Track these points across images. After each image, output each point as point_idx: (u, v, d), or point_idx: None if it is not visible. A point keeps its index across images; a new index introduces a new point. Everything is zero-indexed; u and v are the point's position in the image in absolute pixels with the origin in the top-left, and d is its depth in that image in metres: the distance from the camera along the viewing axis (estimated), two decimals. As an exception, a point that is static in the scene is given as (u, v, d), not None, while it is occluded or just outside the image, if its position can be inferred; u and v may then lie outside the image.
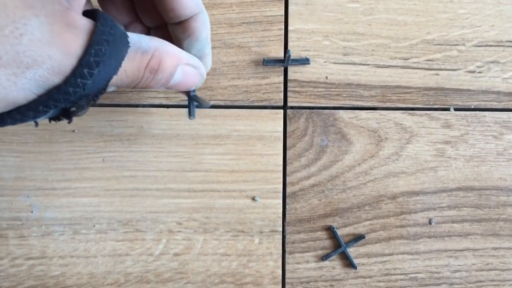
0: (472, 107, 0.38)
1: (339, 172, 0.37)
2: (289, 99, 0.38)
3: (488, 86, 0.38)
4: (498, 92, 0.38)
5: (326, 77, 0.38)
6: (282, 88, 0.37)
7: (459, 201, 0.37)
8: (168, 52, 0.26)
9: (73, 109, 0.22)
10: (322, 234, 0.37)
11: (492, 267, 0.37)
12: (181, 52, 0.27)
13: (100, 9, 0.24)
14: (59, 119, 0.23)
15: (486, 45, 0.38)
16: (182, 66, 0.27)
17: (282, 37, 0.38)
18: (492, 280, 0.37)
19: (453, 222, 0.37)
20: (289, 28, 0.38)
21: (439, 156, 0.38)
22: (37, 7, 0.19)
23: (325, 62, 0.38)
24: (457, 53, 0.38)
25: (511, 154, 0.38)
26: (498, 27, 0.38)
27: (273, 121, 0.37)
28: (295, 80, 0.38)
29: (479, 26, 0.38)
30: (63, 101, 0.21)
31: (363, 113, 0.38)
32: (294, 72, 0.38)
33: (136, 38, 0.24)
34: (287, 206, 0.37)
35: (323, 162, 0.37)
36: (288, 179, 0.37)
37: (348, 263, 0.37)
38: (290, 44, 0.38)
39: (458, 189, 0.37)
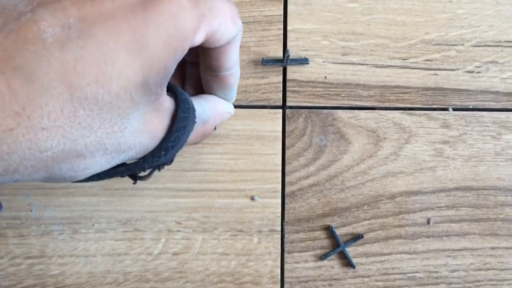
0: (471, 107, 0.38)
1: (337, 172, 0.37)
2: (288, 99, 0.38)
3: (487, 86, 0.38)
4: (497, 92, 0.38)
5: (325, 77, 0.38)
6: (281, 87, 0.38)
7: (458, 201, 0.38)
8: (218, 114, 0.29)
9: (140, 175, 0.26)
10: (320, 234, 0.37)
11: (490, 267, 0.37)
12: (226, 107, 0.30)
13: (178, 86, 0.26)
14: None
15: (485, 45, 0.38)
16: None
17: (281, 37, 0.38)
18: (490, 280, 0.37)
19: (451, 222, 0.37)
20: (288, 28, 0.38)
21: (438, 156, 0.38)
22: (141, 102, 0.21)
23: (324, 62, 0.38)
24: (455, 53, 0.38)
25: (509, 154, 0.38)
26: (497, 27, 0.38)
27: (272, 120, 0.37)
28: (294, 80, 0.38)
29: (478, 26, 0.38)
30: (136, 171, 0.25)
31: (361, 113, 0.38)
32: (293, 72, 0.38)
33: (199, 110, 0.27)
34: (286, 206, 0.37)
35: (322, 161, 0.37)
36: (287, 178, 0.37)
37: (347, 262, 0.37)
38: (289, 44, 0.38)
39: (457, 189, 0.38)
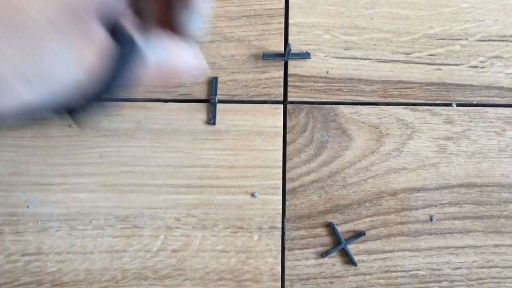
0: (475, 102, 0.38)
1: (339, 168, 0.37)
2: (289, 94, 0.37)
3: (491, 82, 0.38)
4: (501, 88, 0.38)
5: (327, 72, 0.37)
6: (282, 82, 0.37)
7: (461, 198, 0.37)
8: (176, 55, 0.27)
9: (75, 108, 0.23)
10: (322, 231, 0.37)
11: (493, 264, 0.37)
12: (186, 51, 0.28)
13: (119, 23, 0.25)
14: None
15: (489, 40, 0.38)
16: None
17: (283, 30, 0.37)
18: (493, 278, 0.37)
19: (454, 219, 0.37)
20: (290, 21, 0.37)
21: (441, 152, 0.37)
22: (65, 30, 0.20)
23: (326, 56, 0.37)
24: (460, 48, 0.38)
25: (513, 150, 0.37)
26: (502, 22, 0.38)
27: (273, 116, 0.37)
28: (295, 75, 0.37)
29: (483, 21, 0.38)
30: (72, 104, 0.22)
31: (364, 109, 0.37)
32: (295, 67, 0.37)
33: (150, 50, 0.25)
34: (286, 202, 0.37)
35: (323, 158, 0.37)
36: (287, 175, 0.37)
37: (348, 260, 0.36)
38: (290, 38, 0.37)
39: (460, 185, 0.37)
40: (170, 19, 0.30)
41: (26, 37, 0.18)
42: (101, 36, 0.22)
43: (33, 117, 0.22)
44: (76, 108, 0.23)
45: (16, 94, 0.19)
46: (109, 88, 0.23)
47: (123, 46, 0.23)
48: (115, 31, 0.23)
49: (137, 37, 0.24)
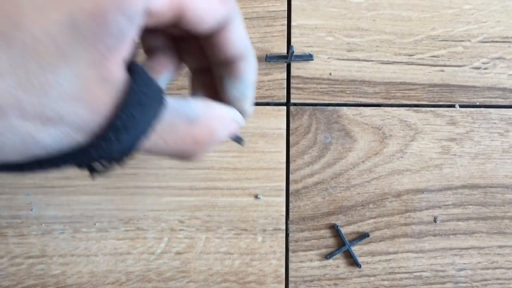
0: (478, 104, 0.38)
1: (343, 169, 0.37)
2: (292, 96, 0.37)
3: (494, 83, 0.38)
4: (504, 89, 0.38)
5: (330, 74, 0.37)
6: (285, 84, 0.37)
7: (464, 199, 0.37)
8: (216, 117, 0.23)
9: (95, 167, 0.20)
10: (325, 233, 0.37)
11: (497, 266, 0.37)
12: (228, 111, 0.24)
13: (137, 62, 0.21)
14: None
15: (492, 41, 0.38)
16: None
17: (285, 33, 0.37)
18: (498, 279, 0.37)
19: (458, 220, 0.37)
20: (292, 23, 0.37)
21: (444, 154, 0.37)
22: (72, 55, 0.16)
23: (328, 58, 0.37)
24: (462, 49, 0.38)
25: (516, 151, 0.37)
26: (504, 23, 0.38)
27: (276, 118, 0.37)
28: (298, 77, 0.37)
29: (485, 22, 0.38)
30: (84, 160, 0.19)
31: (367, 110, 0.37)
32: (297, 69, 0.37)
33: (184, 105, 0.21)
34: (290, 204, 0.37)
35: (327, 159, 0.37)
36: (291, 176, 0.37)
37: (352, 261, 0.36)
38: (293, 40, 0.37)
39: (463, 186, 0.37)
40: (212, 81, 0.27)
41: (23, 55, 0.16)
42: (119, 74, 0.19)
43: (43, 168, 0.19)
44: (85, 163, 0.20)
45: (10, 128, 0.17)
46: (127, 145, 0.20)
47: (146, 94, 0.19)
48: (138, 73, 0.20)
49: (164, 84, 0.21)
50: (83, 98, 0.17)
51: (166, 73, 0.27)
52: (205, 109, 0.22)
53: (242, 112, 0.26)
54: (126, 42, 0.18)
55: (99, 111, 0.18)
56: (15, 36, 0.15)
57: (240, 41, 0.24)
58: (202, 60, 0.26)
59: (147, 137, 0.20)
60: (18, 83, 0.16)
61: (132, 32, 0.18)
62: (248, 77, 0.25)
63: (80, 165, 0.20)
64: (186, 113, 0.21)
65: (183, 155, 0.22)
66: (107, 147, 0.19)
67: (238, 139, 0.29)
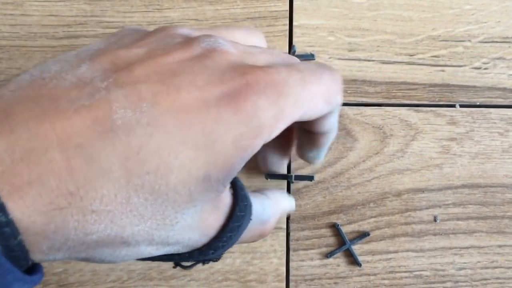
0: (478, 103, 0.38)
1: (343, 169, 0.37)
2: (293, 95, 0.37)
3: (494, 83, 0.38)
4: (504, 89, 0.38)
5: (331, 73, 0.37)
6: (287, 84, 0.37)
7: (464, 199, 0.37)
8: (279, 213, 0.28)
9: (187, 265, 0.25)
10: (326, 231, 0.37)
11: (497, 265, 0.37)
12: (289, 204, 0.29)
13: (238, 178, 0.25)
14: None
15: (492, 41, 0.38)
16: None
17: (287, 32, 0.37)
18: (497, 278, 0.37)
19: (458, 219, 0.37)
20: (294, 23, 0.37)
21: (445, 153, 0.37)
22: (199, 198, 0.20)
23: (330, 58, 0.37)
24: (462, 49, 0.38)
25: (516, 151, 0.38)
26: (504, 23, 0.38)
27: (278, 117, 0.37)
28: (299, 76, 0.37)
29: (485, 22, 0.38)
30: (178, 260, 0.23)
31: (368, 110, 0.37)
32: (299, 68, 0.37)
33: (259, 209, 0.25)
34: (291, 203, 0.37)
35: (328, 158, 0.37)
36: (292, 175, 0.37)
37: (353, 260, 0.37)
38: (294, 39, 0.37)
39: (464, 186, 0.37)
40: (289, 137, 0.31)
41: (164, 204, 0.19)
42: (227, 201, 0.22)
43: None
44: (178, 262, 0.24)
45: (137, 251, 0.20)
46: (219, 255, 0.23)
47: (243, 216, 0.23)
48: (239, 192, 0.23)
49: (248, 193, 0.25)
50: (199, 226, 0.21)
51: None
52: (274, 209, 0.27)
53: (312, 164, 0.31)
54: (236, 173, 0.21)
55: (208, 235, 0.22)
56: (161, 191, 0.18)
57: (331, 123, 0.26)
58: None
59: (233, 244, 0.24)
60: (155, 225, 0.19)
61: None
62: (325, 147, 0.28)
63: (172, 260, 0.24)
64: (261, 218, 0.25)
65: (245, 242, 0.27)
66: (202, 257, 0.23)
67: (302, 178, 0.34)
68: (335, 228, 0.37)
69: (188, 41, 0.21)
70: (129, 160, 0.18)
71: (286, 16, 0.37)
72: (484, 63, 0.38)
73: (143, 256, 0.21)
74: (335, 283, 0.37)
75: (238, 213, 0.22)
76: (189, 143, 0.18)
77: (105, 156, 0.17)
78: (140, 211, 0.18)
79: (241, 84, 0.20)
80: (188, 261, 0.23)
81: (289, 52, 0.37)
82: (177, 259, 0.23)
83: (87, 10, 0.37)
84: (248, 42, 0.25)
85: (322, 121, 0.25)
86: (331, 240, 0.37)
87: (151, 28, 0.37)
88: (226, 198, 0.23)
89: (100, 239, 0.18)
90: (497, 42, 0.38)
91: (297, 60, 0.26)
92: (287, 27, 0.37)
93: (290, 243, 0.37)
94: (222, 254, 0.24)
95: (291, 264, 0.37)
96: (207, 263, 0.25)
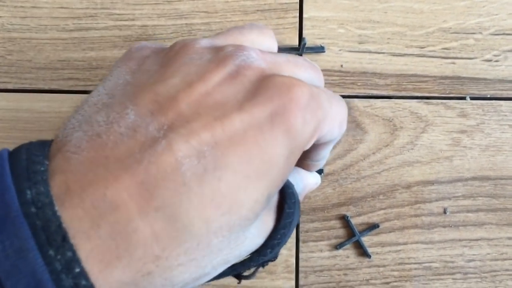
0: (489, 96, 0.38)
1: (353, 161, 0.37)
2: (303, 88, 0.37)
3: (505, 75, 0.38)
4: (515, 81, 0.38)
5: (341, 66, 0.37)
6: (297, 76, 0.37)
7: (474, 191, 0.37)
8: (308, 187, 0.29)
9: (245, 274, 0.25)
10: (336, 223, 0.37)
11: (506, 257, 0.37)
12: (315, 178, 0.30)
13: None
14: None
15: (503, 34, 0.38)
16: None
17: (297, 25, 0.37)
18: (507, 270, 0.37)
19: (468, 211, 0.37)
20: (304, 15, 0.37)
21: (455, 146, 0.37)
22: (261, 213, 0.21)
23: (340, 50, 0.37)
24: (473, 42, 0.38)
25: (527, 143, 0.37)
26: (516, 15, 0.38)
27: (288, 109, 0.37)
28: (309, 68, 0.37)
29: (496, 14, 0.38)
30: (242, 270, 0.24)
31: (378, 102, 0.37)
32: (309, 60, 0.37)
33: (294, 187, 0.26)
34: (301, 195, 0.37)
35: (337, 151, 0.37)
36: (302, 168, 0.37)
37: (362, 252, 0.37)
38: (304, 32, 0.37)
39: (474, 178, 0.37)
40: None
41: (236, 232, 0.20)
42: (275, 199, 0.23)
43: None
44: (244, 272, 0.25)
45: (214, 274, 0.21)
46: (275, 254, 0.24)
47: (293, 213, 0.24)
48: (287, 191, 0.24)
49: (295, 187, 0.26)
50: (262, 232, 0.22)
51: None
52: (303, 183, 0.28)
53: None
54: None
55: (265, 236, 0.23)
56: (235, 225, 0.19)
57: (325, 153, 0.27)
58: None
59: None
60: (229, 250, 0.20)
61: None
62: (326, 154, 0.28)
63: (233, 275, 0.25)
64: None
65: None
66: (262, 258, 0.23)
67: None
68: (344, 220, 0.37)
69: (219, 58, 0.21)
70: (205, 209, 0.18)
71: (296, 8, 0.37)
72: (495, 56, 0.38)
73: (217, 273, 0.21)
74: (345, 274, 0.37)
75: (288, 210, 0.23)
76: (253, 174, 0.19)
77: (185, 212, 0.18)
78: (219, 247, 0.19)
79: (286, 100, 0.20)
80: (249, 267, 0.24)
81: (299, 45, 0.37)
82: (240, 268, 0.24)
83: (97, 2, 0.37)
84: (263, 44, 0.25)
85: (322, 148, 0.25)
86: (341, 232, 0.37)
87: (161, 20, 0.37)
88: (274, 197, 0.24)
89: (185, 283, 0.19)
90: (508, 34, 0.38)
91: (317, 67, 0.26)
92: (297, 19, 0.37)
93: (300, 234, 0.37)
94: (278, 252, 0.24)
95: (301, 255, 0.37)
96: (266, 264, 0.25)
